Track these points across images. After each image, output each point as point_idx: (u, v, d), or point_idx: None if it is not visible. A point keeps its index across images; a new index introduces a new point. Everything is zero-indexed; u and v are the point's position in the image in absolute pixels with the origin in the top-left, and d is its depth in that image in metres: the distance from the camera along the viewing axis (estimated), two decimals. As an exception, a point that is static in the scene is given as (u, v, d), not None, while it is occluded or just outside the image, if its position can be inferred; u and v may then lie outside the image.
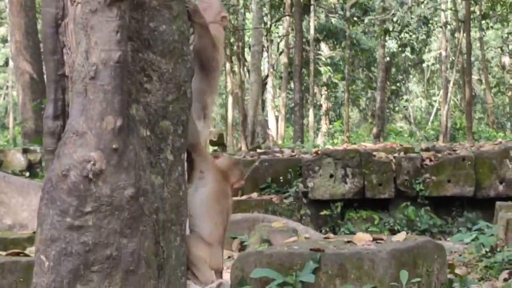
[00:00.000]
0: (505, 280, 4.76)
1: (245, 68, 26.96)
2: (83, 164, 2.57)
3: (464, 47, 23.09)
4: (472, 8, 23.39)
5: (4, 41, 32.41)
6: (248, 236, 6.86)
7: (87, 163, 2.57)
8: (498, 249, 5.43)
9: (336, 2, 28.60)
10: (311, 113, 25.38)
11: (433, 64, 34.97)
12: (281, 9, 26.05)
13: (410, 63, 33.68)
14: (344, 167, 9.06)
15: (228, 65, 25.56)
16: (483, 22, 27.11)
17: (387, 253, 3.66)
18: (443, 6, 27.35)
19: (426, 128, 31.21)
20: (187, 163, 3.18)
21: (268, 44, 27.51)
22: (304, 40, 23.10)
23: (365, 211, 9.09)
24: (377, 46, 28.08)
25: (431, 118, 34.44)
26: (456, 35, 27.46)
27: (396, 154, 9.46)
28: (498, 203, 7.35)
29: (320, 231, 8.47)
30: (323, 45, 30.84)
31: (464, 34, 21.63)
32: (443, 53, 28.68)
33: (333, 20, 28.96)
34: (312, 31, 24.79)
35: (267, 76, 27.17)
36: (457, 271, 4.71)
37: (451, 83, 27.44)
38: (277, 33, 30.07)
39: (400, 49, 28.88)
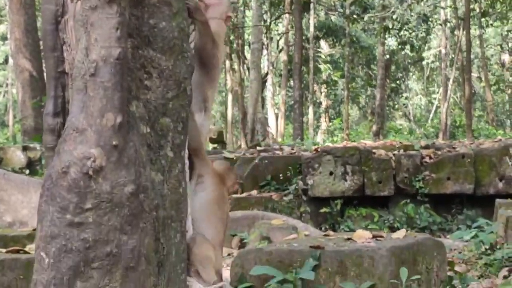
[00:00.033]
0: (505, 277, 4.77)
1: (245, 65, 26.98)
2: (83, 161, 2.57)
3: (463, 45, 23.08)
4: (471, 6, 23.37)
5: (4, 38, 32.42)
6: (248, 234, 6.87)
7: (87, 160, 2.57)
8: (498, 247, 5.44)
9: (336, -1, 28.62)
10: (310, 110, 25.39)
11: (432, 62, 34.99)
12: (281, 6, 26.05)
13: (409, 60, 33.68)
14: (344, 165, 9.06)
15: (227, 62, 25.58)
16: (482, 19, 27.10)
17: (387, 250, 3.66)
18: (442, 4, 27.35)
19: (425, 126, 31.22)
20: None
21: (268, 41, 27.51)
22: (303, 37, 23.10)
23: (364, 208, 9.10)
24: (376, 44, 28.09)
25: (431, 115, 34.47)
26: (455, 32, 27.45)
27: (395, 152, 9.47)
28: (497, 200, 7.38)
29: (320, 229, 8.47)
30: (322, 43, 30.83)
31: (464, 32, 21.61)
32: (443, 51, 28.67)
33: (332, 17, 28.94)
34: (311, 28, 24.81)
35: (266, 74, 27.16)
36: (456, 268, 4.72)
37: (451, 80, 27.44)
38: (277, 30, 30.07)
39: (399, 46, 28.87)
